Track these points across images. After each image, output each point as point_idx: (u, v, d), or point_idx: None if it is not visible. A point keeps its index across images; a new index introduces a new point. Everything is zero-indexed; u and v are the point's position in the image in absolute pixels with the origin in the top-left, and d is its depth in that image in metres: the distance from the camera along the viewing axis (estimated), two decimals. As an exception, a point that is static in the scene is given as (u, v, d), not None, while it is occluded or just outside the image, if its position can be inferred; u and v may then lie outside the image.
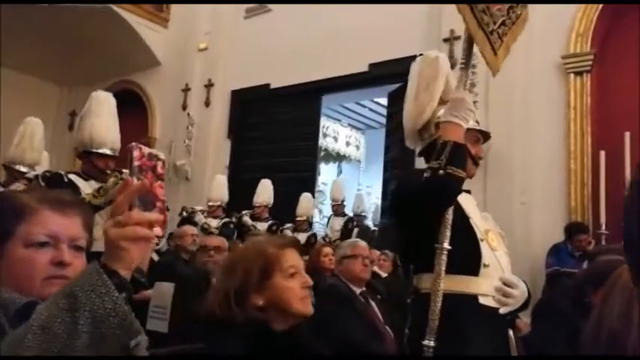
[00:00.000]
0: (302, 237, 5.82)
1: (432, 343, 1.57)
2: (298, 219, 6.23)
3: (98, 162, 3.01)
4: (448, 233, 1.63)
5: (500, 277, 1.71)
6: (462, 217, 1.73)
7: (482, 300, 1.67)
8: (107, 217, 0.86)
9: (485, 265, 1.70)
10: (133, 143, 0.89)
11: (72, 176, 2.98)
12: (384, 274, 4.31)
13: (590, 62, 4.87)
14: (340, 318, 2.59)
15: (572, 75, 4.92)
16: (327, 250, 4.09)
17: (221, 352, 1.29)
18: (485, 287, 1.69)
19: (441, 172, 1.56)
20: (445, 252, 1.62)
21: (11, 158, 4.05)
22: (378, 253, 4.37)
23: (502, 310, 1.67)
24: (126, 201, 0.83)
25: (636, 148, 4.25)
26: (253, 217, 6.11)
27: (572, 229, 4.42)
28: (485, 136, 2.01)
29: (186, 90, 7.83)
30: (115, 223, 0.80)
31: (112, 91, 9.47)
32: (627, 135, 4.30)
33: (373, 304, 2.84)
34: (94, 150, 3.00)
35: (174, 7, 8.38)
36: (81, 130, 3.09)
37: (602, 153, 4.53)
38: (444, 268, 1.61)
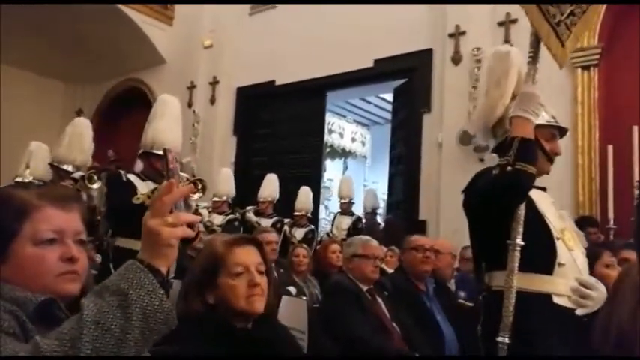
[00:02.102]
0: (300, 232, 5.75)
1: (506, 340, 1.57)
2: (296, 214, 6.06)
3: (156, 163, 3.00)
4: (520, 229, 1.62)
5: (577, 278, 1.67)
6: (535, 215, 1.71)
7: (556, 299, 1.64)
8: (149, 214, 0.87)
9: (560, 264, 1.66)
10: (166, 147, 0.94)
11: (131, 176, 3.01)
12: (390, 270, 4.30)
13: (598, 56, 4.84)
14: (347, 314, 2.59)
15: (579, 69, 4.89)
16: (335, 246, 4.09)
17: (182, 350, 1.28)
18: (560, 287, 1.66)
19: (510, 168, 1.54)
20: (518, 248, 1.60)
21: (60, 158, 4.07)
22: (385, 249, 4.36)
23: (579, 312, 1.63)
24: (172, 202, 0.87)
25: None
26: (257, 213, 6.00)
27: (582, 223, 4.39)
28: (562, 132, 1.94)
29: (192, 87, 7.85)
30: (166, 223, 0.85)
31: (118, 89, 9.59)
32: (635, 129, 4.26)
33: (380, 300, 2.83)
34: (153, 151, 3.01)
35: (179, 5, 8.39)
36: (145, 133, 3.12)
37: (610, 147, 4.50)
38: (517, 265, 1.59)
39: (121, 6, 7.57)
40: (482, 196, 1.70)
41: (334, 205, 10.72)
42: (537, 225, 1.69)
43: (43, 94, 9.16)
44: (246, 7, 7.71)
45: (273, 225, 5.73)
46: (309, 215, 6.11)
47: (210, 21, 7.88)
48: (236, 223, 5.85)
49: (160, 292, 0.82)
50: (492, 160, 5.14)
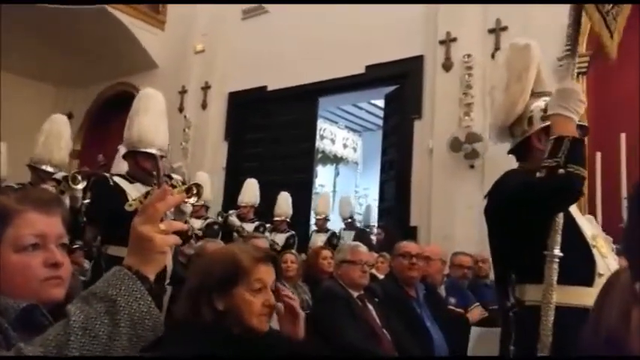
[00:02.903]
0: (280, 238, 5.69)
1: None
2: (276, 219, 5.98)
3: (145, 163, 2.84)
4: (559, 239, 1.49)
5: None
6: (571, 221, 1.58)
7: None
8: (140, 220, 0.86)
9: (600, 275, 1.52)
10: (155, 145, 0.93)
11: (117, 179, 2.84)
12: (381, 276, 4.31)
13: (587, 64, 4.88)
14: (337, 320, 2.58)
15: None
16: (326, 252, 4.08)
17: (180, 354, 1.27)
18: None
19: (561, 170, 1.42)
20: (556, 260, 1.48)
21: (37, 158, 3.79)
22: (376, 255, 4.36)
23: None
24: (165, 210, 0.87)
25: (632, 149, 4.26)
26: (239, 218, 5.91)
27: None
28: (585, 131, 1.82)
29: (183, 92, 7.83)
30: (158, 230, 0.84)
31: (109, 93, 9.54)
32: (623, 136, 4.30)
33: (370, 306, 2.83)
34: (142, 149, 2.83)
35: (171, 9, 8.39)
36: (129, 129, 2.91)
37: (599, 154, 4.54)
38: (556, 279, 1.47)
39: (112, 10, 7.55)
40: (520, 199, 1.55)
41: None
42: (573, 233, 1.57)
43: (33, 98, 9.09)
44: (239, 12, 7.71)
45: (256, 229, 5.67)
46: (288, 220, 6.03)
47: (202, 26, 7.88)
48: (216, 227, 5.74)
49: (148, 299, 0.81)
50: (483, 165, 5.08)
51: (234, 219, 5.86)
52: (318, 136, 8.24)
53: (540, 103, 1.77)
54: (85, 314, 0.77)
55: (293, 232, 5.94)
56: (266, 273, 1.46)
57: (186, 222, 3.00)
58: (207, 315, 1.38)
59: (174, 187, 2.69)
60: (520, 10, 5.10)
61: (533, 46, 1.82)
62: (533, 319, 1.49)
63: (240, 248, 1.56)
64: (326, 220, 6.72)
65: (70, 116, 9.55)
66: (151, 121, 2.91)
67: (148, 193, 2.63)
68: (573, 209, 1.66)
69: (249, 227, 5.73)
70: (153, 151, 2.84)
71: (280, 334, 1.59)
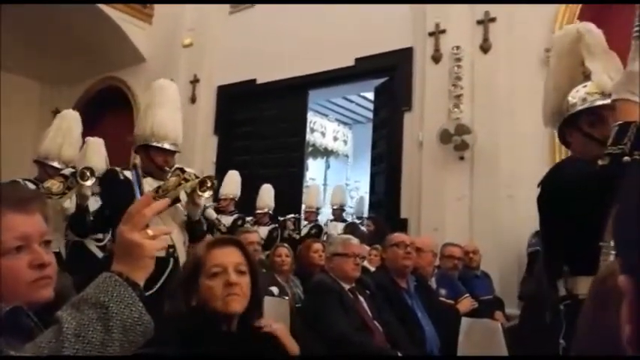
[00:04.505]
0: (263, 231, 5.60)
1: None
2: (258, 212, 5.91)
3: (157, 157, 2.76)
4: None
5: None
6: None
7: None
8: (128, 227, 0.85)
9: None
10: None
11: (128, 173, 2.74)
12: (372, 269, 4.32)
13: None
14: (329, 313, 2.59)
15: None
16: (317, 245, 4.10)
17: (164, 352, 1.27)
18: None
19: (627, 158, 1.34)
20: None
21: (45, 153, 3.69)
22: (368, 248, 4.38)
23: None
24: (152, 215, 0.87)
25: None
26: (218, 211, 5.77)
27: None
28: None
29: (172, 86, 7.76)
30: (147, 236, 0.85)
31: (97, 88, 9.44)
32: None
33: (362, 299, 2.84)
34: (154, 144, 2.75)
35: (158, 3, 8.30)
36: (142, 122, 2.82)
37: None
38: None
39: (99, 4, 7.46)
40: (580, 189, 1.48)
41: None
42: None
43: (19, 94, 8.96)
44: (227, 5, 7.66)
45: (234, 222, 5.59)
46: (270, 212, 5.99)
47: (190, 19, 7.81)
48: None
49: (139, 305, 0.82)
50: (472, 157, 5.08)
51: (211, 211, 5.63)
52: (308, 129, 8.21)
53: (588, 87, 1.71)
54: (77, 321, 0.77)
55: (276, 225, 5.88)
56: (222, 255, 1.46)
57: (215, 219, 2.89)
58: (182, 311, 1.40)
59: (187, 180, 2.61)
60: (508, 2, 5.12)
61: (583, 30, 1.75)
62: None
63: (202, 243, 1.61)
64: (315, 212, 6.63)
65: (56, 111, 9.47)
66: (165, 114, 2.82)
67: (159, 188, 2.57)
68: None
69: (228, 220, 5.62)
70: (166, 145, 2.76)
71: (273, 336, 1.59)
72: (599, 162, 1.41)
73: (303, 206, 6.71)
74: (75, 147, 3.85)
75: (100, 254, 3.95)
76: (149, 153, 2.78)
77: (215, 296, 1.40)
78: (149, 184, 2.71)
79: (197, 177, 2.66)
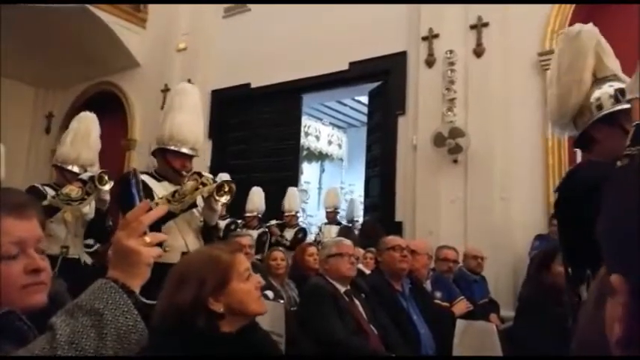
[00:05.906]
0: (253, 234, 5.56)
1: None
2: (248, 215, 5.88)
3: (174, 161, 2.70)
4: None
5: None
6: None
7: None
8: (125, 234, 0.85)
9: None
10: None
11: (144, 177, 2.63)
12: (367, 272, 4.33)
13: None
14: (324, 317, 2.59)
15: (548, 72, 4.98)
16: (312, 249, 4.10)
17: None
18: None
19: None
20: None
21: (64, 158, 3.63)
22: (362, 251, 4.39)
23: None
24: (149, 222, 0.87)
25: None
26: None
27: (554, 221, 4.51)
28: None
29: (166, 90, 7.73)
30: (144, 243, 0.85)
31: (91, 92, 9.41)
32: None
33: (357, 302, 2.85)
34: (171, 147, 2.70)
35: (152, 8, 8.29)
36: (161, 126, 2.77)
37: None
38: None
39: (93, 8, 7.44)
40: (596, 191, 1.46)
41: (311, 208, 10.75)
42: None
43: (13, 98, 8.90)
44: (221, 9, 7.67)
45: (227, 226, 5.52)
46: (259, 216, 5.96)
47: (184, 24, 7.81)
48: None
49: (135, 313, 0.81)
50: (466, 160, 5.10)
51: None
52: (302, 133, 8.22)
53: (606, 89, 1.67)
54: (70, 328, 0.77)
55: (266, 229, 5.84)
56: (245, 260, 1.52)
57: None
58: (201, 322, 1.36)
59: (204, 185, 2.56)
60: (501, 6, 5.16)
61: (587, 31, 1.72)
62: None
63: (210, 249, 1.59)
64: (295, 216, 6.40)
65: (50, 116, 9.47)
66: (184, 118, 2.77)
67: (175, 192, 2.53)
68: None
69: (221, 224, 5.61)
70: (184, 149, 2.72)
71: (268, 336, 1.60)
72: (618, 163, 1.38)
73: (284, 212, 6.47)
74: (94, 150, 3.78)
75: (89, 260, 3.93)
76: (166, 156, 2.73)
77: (253, 298, 1.44)
78: (165, 188, 2.65)
79: (215, 181, 2.62)
